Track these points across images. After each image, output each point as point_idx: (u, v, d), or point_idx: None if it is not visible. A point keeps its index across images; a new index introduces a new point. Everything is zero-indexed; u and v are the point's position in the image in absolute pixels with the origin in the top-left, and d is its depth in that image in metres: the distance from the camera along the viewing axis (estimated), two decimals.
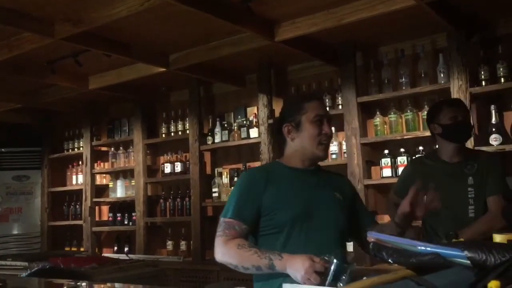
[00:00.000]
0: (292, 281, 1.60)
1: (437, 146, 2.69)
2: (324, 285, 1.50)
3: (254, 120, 4.28)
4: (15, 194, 5.58)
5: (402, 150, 3.57)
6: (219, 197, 4.38)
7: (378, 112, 3.71)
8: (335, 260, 1.52)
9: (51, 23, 3.09)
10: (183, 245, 4.60)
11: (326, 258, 1.55)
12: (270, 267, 1.68)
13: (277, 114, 4.18)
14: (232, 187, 1.86)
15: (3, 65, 3.60)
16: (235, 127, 4.40)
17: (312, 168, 1.96)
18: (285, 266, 1.65)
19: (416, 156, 3.40)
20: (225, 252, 1.79)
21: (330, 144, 3.79)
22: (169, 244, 4.71)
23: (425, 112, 3.52)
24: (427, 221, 2.61)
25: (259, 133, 4.16)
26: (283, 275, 1.67)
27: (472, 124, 2.68)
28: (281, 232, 1.83)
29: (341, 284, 1.46)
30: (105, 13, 2.87)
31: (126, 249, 4.94)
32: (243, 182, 1.95)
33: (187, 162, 4.61)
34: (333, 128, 3.85)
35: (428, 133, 3.42)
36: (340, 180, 2.10)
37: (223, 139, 4.42)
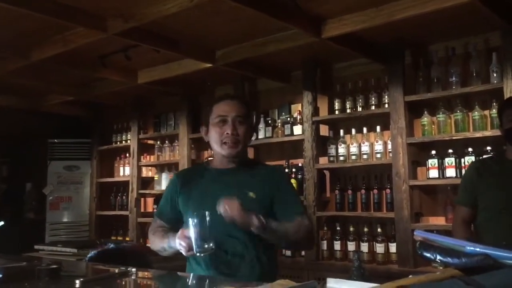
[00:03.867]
0: None
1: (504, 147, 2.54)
2: (193, 244, 1.71)
3: (298, 117, 4.27)
4: (66, 183, 5.80)
5: (450, 151, 3.48)
6: None
7: (426, 112, 3.63)
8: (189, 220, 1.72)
9: (104, 18, 3.19)
10: None
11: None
12: (169, 246, 1.88)
13: (321, 111, 4.19)
14: None
15: (57, 58, 3.73)
16: (279, 124, 4.41)
17: (232, 167, 1.97)
18: (173, 241, 1.83)
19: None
20: (151, 242, 2.06)
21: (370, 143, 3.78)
22: None
23: (476, 113, 3.43)
24: (480, 225, 2.42)
25: (303, 130, 4.15)
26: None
27: None
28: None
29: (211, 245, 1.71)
30: (156, 9, 2.94)
31: None
32: (167, 185, 2.14)
33: None
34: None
35: (477, 135, 3.34)
36: (264, 175, 1.99)
37: (267, 135, 4.43)
